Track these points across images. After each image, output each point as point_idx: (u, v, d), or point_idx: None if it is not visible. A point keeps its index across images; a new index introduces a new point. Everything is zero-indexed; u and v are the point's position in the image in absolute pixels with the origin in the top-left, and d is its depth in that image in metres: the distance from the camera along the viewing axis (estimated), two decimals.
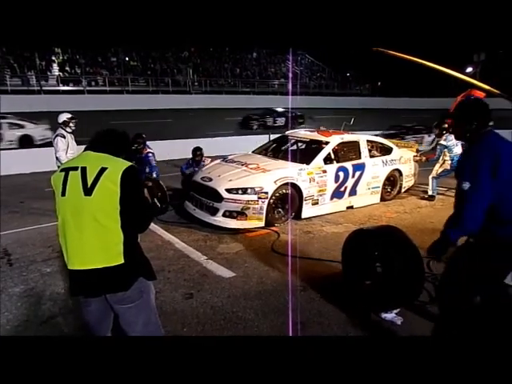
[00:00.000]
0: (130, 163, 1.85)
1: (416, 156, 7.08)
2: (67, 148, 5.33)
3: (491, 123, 2.12)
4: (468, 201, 2.00)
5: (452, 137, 6.44)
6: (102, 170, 1.77)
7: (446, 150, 6.43)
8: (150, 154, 6.16)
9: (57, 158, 5.28)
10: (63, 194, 1.80)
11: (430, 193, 6.75)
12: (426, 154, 7.05)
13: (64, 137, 5.35)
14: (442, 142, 6.43)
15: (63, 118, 5.48)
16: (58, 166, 5.49)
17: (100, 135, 1.96)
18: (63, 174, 1.83)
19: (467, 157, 2.16)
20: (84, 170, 1.79)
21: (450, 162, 6.43)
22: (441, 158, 6.56)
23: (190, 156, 6.82)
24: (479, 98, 2.30)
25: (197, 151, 6.74)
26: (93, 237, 1.77)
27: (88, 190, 1.75)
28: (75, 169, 1.81)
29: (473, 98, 2.34)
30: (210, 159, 6.64)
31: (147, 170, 6.01)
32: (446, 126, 6.59)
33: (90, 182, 1.75)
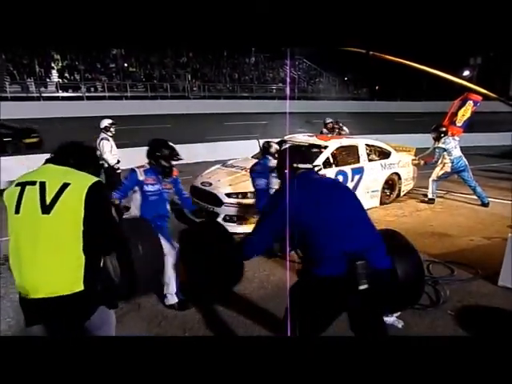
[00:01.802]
0: (97, 178, 1.68)
1: (414, 159, 7.11)
2: (111, 149, 5.81)
3: (304, 166, 2.08)
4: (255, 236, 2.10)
5: (450, 139, 6.49)
6: (65, 185, 1.59)
7: (445, 153, 6.47)
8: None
9: (103, 159, 5.67)
10: (17, 211, 1.60)
11: (429, 196, 6.76)
12: (425, 157, 7.08)
13: (108, 140, 5.81)
14: (441, 145, 6.46)
15: (105, 123, 5.91)
16: (107, 167, 5.64)
17: (63, 147, 1.77)
18: (18, 188, 1.62)
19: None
20: (43, 184, 1.60)
21: (450, 164, 6.46)
22: (440, 160, 6.59)
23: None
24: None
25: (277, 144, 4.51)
26: (50, 261, 1.58)
27: (46, 208, 1.57)
28: (33, 183, 1.61)
29: (283, 148, 2.42)
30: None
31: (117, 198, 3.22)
32: (444, 129, 6.64)
33: (49, 199, 1.57)
